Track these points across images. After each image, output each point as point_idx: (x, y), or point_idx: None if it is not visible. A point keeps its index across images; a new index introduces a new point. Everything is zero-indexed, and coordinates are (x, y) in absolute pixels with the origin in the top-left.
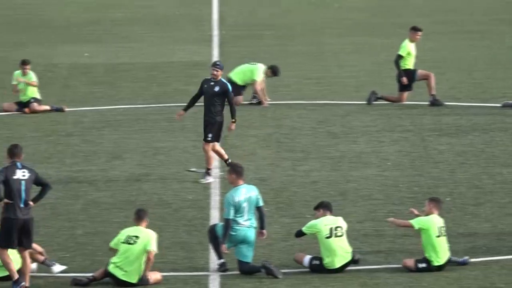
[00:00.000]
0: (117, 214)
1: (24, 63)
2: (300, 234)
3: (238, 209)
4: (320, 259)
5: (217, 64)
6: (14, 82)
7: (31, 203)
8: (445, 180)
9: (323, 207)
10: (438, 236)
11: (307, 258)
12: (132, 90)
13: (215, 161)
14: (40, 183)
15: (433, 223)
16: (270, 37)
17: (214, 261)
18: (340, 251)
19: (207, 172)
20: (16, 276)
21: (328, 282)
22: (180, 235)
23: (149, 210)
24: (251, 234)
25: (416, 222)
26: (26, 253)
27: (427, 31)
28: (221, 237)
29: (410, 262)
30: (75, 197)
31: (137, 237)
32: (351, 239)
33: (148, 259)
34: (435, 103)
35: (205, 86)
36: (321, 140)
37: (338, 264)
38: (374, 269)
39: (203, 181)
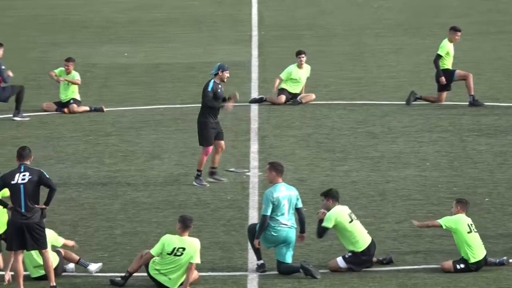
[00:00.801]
0: (155, 214)
1: (67, 60)
2: (323, 230)
3: (277, 207)
4: (351, 251)
5: (227, 67)
6: (55, 72)
7: (42, 206)
8: (484, 180)
9: (333, 198)
10: (469, 232)
11: (339, 259)
12: (171, 90)
13: (254, 161)
14: (45, 185)
15: (460, 221)
16: (309, 38)
17: (252, 261)
18: (363, 232)
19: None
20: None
21: (366, 282)
22: (218, 235)
23: (188, 210)
24: (292, 234)
25: (444, 222)
26: (45, 253)
27: (465, 31)
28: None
29: (448, 264)
30: (114, 197)
31: (183, 248)
32: (390, 239)
33: (190, 270)
34: (474, 103)
35: (219, 90)
36: (360, 141)
37: (364, 244)
38: (413, 269)
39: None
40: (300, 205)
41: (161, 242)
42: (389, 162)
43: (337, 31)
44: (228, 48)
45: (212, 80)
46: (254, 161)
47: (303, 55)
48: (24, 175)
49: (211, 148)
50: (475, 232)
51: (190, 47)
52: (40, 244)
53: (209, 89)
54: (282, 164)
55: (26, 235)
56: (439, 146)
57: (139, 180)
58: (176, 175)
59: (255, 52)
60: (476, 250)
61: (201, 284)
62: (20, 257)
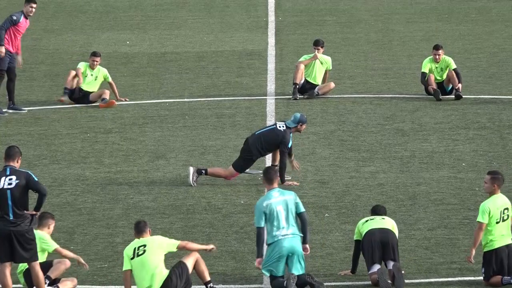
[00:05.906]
0: (161, 220)
1: (94, 54)
2: (355, 246)
3: (271, 215)
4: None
5: (306, 119)
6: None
7: (32, 212)
8: None
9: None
10: (498, 222)
11: (376, 266)
12: (178, 82)
13: (270, 162)
14: (34, 190)
15: (495, 209)
16: (332, 24)
17: None
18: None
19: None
20: None
21: None
22: (230, 243)
23: (197, 216)
24: (297, 243)
25: (483, 219)
26: (35, 266)
27: (507, 17)
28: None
29: (496, 279)
30: (114, 201)
31: (144, 245)
32: (422, 248)
33: (183, 247)
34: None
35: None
36: (388, 138)
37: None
38: (447, 281)
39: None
40: (301, 209)
41: (124, 254)
42: (420, 163)
43: (362, 17)
44: (242, 35)
45: (291, 134)
46: (269, 162)
47: (319, 48)
48: (10, 179)
49: (236, 176)
50: (503, 221)
51: (200, 34)
52: (30, 255)
53: (290, 145)
54: (273, 170)
55: (15, 244)
56: (476, 145)
57: (143, 182)
58: (184, 176)
59: (271, 40)
60: (497, 241)
61: None
62: (8, 270)
